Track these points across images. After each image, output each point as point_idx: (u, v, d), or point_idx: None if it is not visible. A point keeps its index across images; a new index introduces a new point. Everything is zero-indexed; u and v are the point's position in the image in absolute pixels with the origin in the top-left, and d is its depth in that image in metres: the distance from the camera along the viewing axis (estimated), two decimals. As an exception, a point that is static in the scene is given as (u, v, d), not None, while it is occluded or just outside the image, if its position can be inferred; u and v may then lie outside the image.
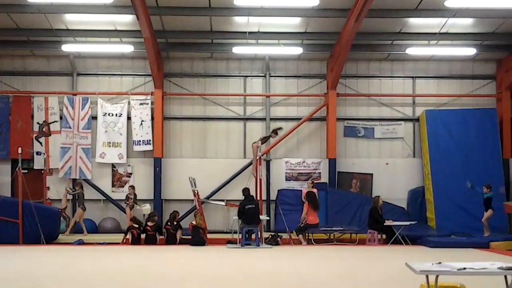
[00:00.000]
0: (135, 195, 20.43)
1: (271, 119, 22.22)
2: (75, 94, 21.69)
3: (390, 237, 18.39)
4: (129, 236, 18.39)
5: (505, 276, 5.92)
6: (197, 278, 11.27)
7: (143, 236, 18.45)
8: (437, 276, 5.91)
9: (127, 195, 20.52)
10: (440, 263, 6.16)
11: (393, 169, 22.15)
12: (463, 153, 21.05)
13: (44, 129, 21.56)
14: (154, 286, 10.32)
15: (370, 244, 18.51)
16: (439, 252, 15.45)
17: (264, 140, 19.71)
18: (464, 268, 5.95)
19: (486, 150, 21.06)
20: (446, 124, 21.40)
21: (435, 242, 17.72)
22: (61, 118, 21.54)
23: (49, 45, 20.86)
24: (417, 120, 22.29)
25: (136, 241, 18.26)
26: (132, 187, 20.73)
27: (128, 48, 20.50)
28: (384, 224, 18.46)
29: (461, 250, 16.59)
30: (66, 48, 20.55)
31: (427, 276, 5.94)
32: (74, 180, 20.92)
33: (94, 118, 21.61)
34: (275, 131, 19.86)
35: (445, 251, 15.74)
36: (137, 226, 18.56)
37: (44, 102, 21.53)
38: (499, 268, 5.90)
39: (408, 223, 18.73)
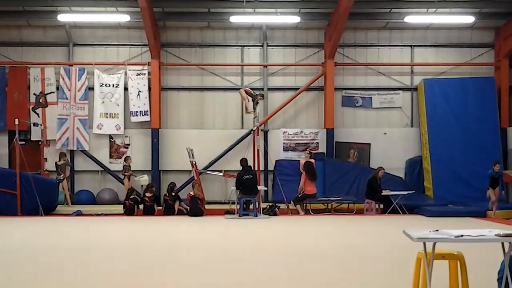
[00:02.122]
0: (129, 166, 20.44)
1: (268, 89, 22.14)
2: (71, 65, 21.56)
3: (388, 207, 18.44)
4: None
5: (502, 243, 5.90)
6: (195, 248, 11.31)
7: (141, 207, 18.52)
8: (434, 244, 5.89)
9: (124, 166, 20.51)
10: (437, 230, 6.14)
11: (390, 139, 22.13)
12: (461, 122, 21.02)
13: (41, 100, 21.46)
14: (150, 256, 10.35)
15: (368, 214, 18.57)
16: (436, 221, 15.50)
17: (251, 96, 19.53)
18: (462, 236, 5.94)
19: (484, 119, 21.02)
20: (444, 93, 21.34)
21: (433, 211, 17.78)
22: (57, 89, 21.43)
23: (45, 15, 20.65)
24: (415, 89, 22.20)
25: (130, 212, 18.31)
26: (128, 157, 20.71)
27: (124, 18, 20.31)
28: (382, 194, 18.50)
29: (458, 219, 16.64)
30: (62, 18, 20.33)
31: (424, 244, 5.93)
32: (61, 153, 20.69)
33: (91, 89, 21.51)
34: (261, 95, 19.89)
35: (443, 220, 15.79)
36: (132, 197, 18.60)
37: (41, 73, 21.42)
38: (496, 235, 5.89)
39: (405, 192, 18.79)
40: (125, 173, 20.38)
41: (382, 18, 21.24)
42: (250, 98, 19.54)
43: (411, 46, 22.38)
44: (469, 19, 20.67)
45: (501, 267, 6.03)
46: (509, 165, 21.12)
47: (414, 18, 20.66)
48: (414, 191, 19.54)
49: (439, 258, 6.24)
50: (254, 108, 19.60)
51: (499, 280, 6.00)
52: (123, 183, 20.74)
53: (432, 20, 21.07)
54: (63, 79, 21.31)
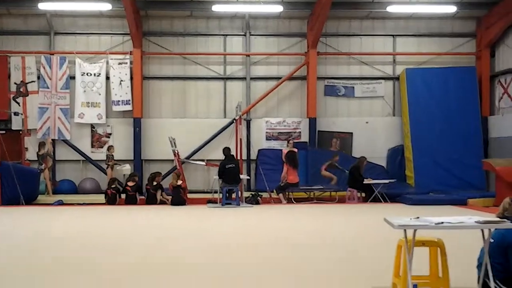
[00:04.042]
0: (112, 155, 20.37)
1: (251, 78, 22.11)
2: (52, 54, 21.37)
3: (370, 195, 18.55)
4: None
5: (482, 230, 5.97)
6: (175, 237, 11.31)
7: (123, 196, 18.48)
8: (415, 231, 5.95)
9: (107, 155, 20.42)
10: (418, 217, 6.20)
11: (373, 128, 22.21)
12: (442, 111, 21.13)
13: (21, 89, 21.27)
14: (130, 244, 10.34)
15: (350, 202, 18.66)
16: (417, 209, 15.61)
17: None
18: (442, 223, 6.00)
19: (465, 108, 21.16)
20: (426, 82, 21.43)
21: (414, 199, 17.90)
22: (38, 78, 21.22)
23: (26, 3, 20.43)
24: (397, 78, 22.29)
25: (112, 202, 18.27)
26: (111, 147, 20.64)
27: (106, 6, 20.14)
28: (364, 182, 18.59)
29: (439, 207, 16.77)
30: (43, 6, 20.11)
31: (405, 231, 5.98)
32: (41, 143, 20.51)
33: (72, 78, 21.34)
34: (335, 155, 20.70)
35: (424, 208, 15.90)
36: (114, 186, 18.55)
37: (21, 61, 21.19)
38: (476, 222, 5.95)
39: (387, 181, 18.87)
40: (108, 163, 20.30)
41: (365, 7, 21.25)
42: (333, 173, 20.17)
43: (393, 35, 22.44)
44: (451, 8, 20.78)
45: (480, 253, 6.10)
46: (490, 154, 21.29)
47: (396, 7, 20.71)
48: (395, 180, 19.63)
49: (420, 245, 6.30)
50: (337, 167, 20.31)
51: (479, 266, 6.07)
52: (105, 173, 20.65)
53: (414, 10, 21.15)
54: (44, 68, 21.12)
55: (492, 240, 5.91)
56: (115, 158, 20.48)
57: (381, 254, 8.75)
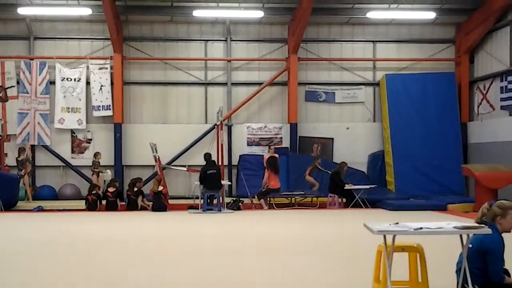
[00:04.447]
0: (98, 162, 20.25)
1: (232, 83, 22.12)
2: (32, 59, 21.24)
3: (350, 201, 18.59)
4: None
5: (461, 236, 6.01)
6: (148, 241, 11.27)
7: (104, 202, 18.40)
8: (394, 236, 5.98)
9: (93, 162, 20.26)
10: (397, 223, 6.23)
11: (353, 134, 22.30)
12: (422, 117, 21.27)
13: (0, 94, 21.09)
14: (110, 250, 10.29)
15: (331, 208, 18.70)
16: (398, 214, 15.69)
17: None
18: (421, 228, 6.04)
19: (444, 114, 21.30)
20: (406, 88, 21.56)
21: (394, 205, 17.97)
22: (18, 83, 21.06)
23: (5, 8, 20.27)
24: (378, 84, 22.41)
25: (92, 208, 18.16)
26: (98, 153, 20.47)
27: (86, 11, 20.07)
28: (344, 188, 18.64)
29: (419, 212, 16.84)
30: (23, 11, 20.01)
31: (384, 236, 6.01)
32: (20, 148, 20.35)
33: (52, 83, 21.21)
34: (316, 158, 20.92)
35: (404, 214, 15.99)
36: (94, 192, 18.46)
37: (1, 66, 21.02)
38: (454, 227, 5.99)
39: (368, 186, 18.94)
40: (94, 169, 20.15)
41: (345, 13, 21.37)
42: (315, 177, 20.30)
43: (373, 41, 22.58)
44: (431, 15, 20.97)
45: (459, 259, 6.14)
46: (470, 159, 21.46)
47: (376, 13, 20.87)
48: (376, 185, 19.71)
49: (399, 250, 6.33)
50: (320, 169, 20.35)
51: (458, 271, 6.11)
52: (86, 179, 20.56)
53: (394, 16, 21.31)
54: (23, 73, 20.97)
55: (470, 245, 5.95)
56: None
57: (361, 260, 8.77)
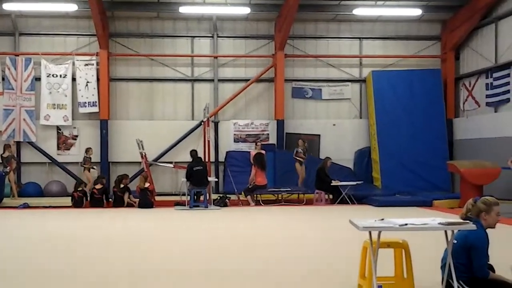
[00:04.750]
0: (90, 158, 20.12)
1: (219, 80, 22.11)
2: (17, 55, 21.10)
3: (337, 197, 18.65)
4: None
5: (445, 231, 6.03)
6: (140, 239, 11.25)
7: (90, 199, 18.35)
8: (379, 232, 5.99)
9: (85, 157, 20.11)
10: (382, 219, 6.25)
11: (340, 130, 22.36)
12: (408, 113, 21.35)
13: (-15, 91, 20.96)
14: (96, 247, 10.26)
15: (317, 204, 18.74)
16: (384, 210, 15.72)
17: None
18: (406, 224, 6.05)
19: (430, 111, 21.41)
20: (392, 85, 21.63)
21: (380, 201, 18.06)
22: (3, 79, 20.93)
23: (-11, 4, 20.17)
24: (364, 81, 22.47)
25: (78, 204, 18.09)
26: (90, 149, 20.33)
27: (72, 7, 19.99)
28: (331, 184, 18.68)
29: (405, 208, 16.94)
30: (8, 6, 19.88)
31: (370, 232, 6.02)
32: (5, 145, 20.21)
33: (38, 79, 21.09)
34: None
35: (390, 210, 16.03)
36: (80, 189, 18.39)
37: (-15, 63, 20.93)
38: (439, 223, 6.02)
39: (354, 183, 18.98)
40: (85, 165, 20.03)
41: (331, 10, 21.40)
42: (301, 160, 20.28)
43: (359, 38, 22.62)
44: (417, 11, 21.06)
45: (444, 254, 6.16)
46: (455, 156, 21.58)
47: (362, 10, 20.94)
48: (362, 182, 19.77)
49: (384, 246, 6.35)
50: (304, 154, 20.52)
51: (443, 267, 6.13)
52: (72, 175, 20.50)
53: (380, 13, 21.38)
54: (9, 69, 20.85)
55: (455, 241, 5.98)
56: (81, 161, 20.24)
57: (346, 256, 8.80)
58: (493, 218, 6.04)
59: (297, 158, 20.37)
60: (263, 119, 22.18)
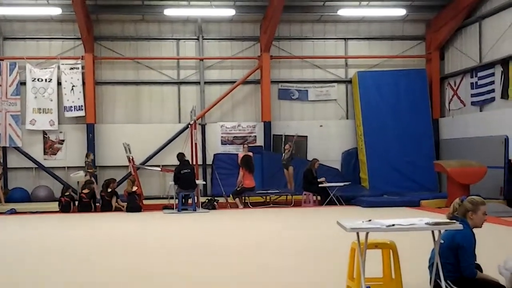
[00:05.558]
0: (90, 162, 20.03)
1: (205, 82, 22.10)
2: (2, 59, 20.99)
3: (325, 198, 18.64)
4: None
5: (432, 231, 6.06)
6: (124, 244, 11.21)
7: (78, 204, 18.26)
8: (367, 233, 6.00)
9: (86, 162, 20.01)
10: (370, 220, 6.25)
11: (327, 131, 22.40)
12: (394, 113, 21.42)
13: (-30, 96, 20.81)
14: (83, 252, 10.21)
15: (306, 206, 18.75)
16: (372, 211, 15.77)
17: None
18: (393, 225, 6.06)
19: (416, 111, 21.49)
20: (378, 85, 21.70)
21: (368, 201, 18.08)
22: (-13, 84, 20.84)
23: (-27, 9, 20.04)
24: (350, 81, 22.52)
25: (65, 209, 17.99)
26: (90, 153, 20.24)
27: (56, 11, 19.91)
28: (319, 185, 18.69)
29: (393, 208, 16.96)
30: (-9, 11, 19.80)
31: (357, 234, 6.03)
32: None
33: (23, 83, 21.00)
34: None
35: (378, 210, 16.08)
36: (67, 194, 18.30)
37: (-31, 68, 20.78)
38: (426, 223, 6.04)
39: (342, 184, 18.98)
40: (89, 170, 19.90)
41: (316, 11, 21.45)
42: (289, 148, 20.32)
43: (345, 39, 22.68)
44: (401, 11, 21.17)
45: (431, 254, 6.18)
46: (442, 155, 21.66)
47: (347, 11, 21.03)
48: (350, 182, 19.79)
49: (372, 247, 6.36)
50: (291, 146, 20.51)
51: (430, 267, 6.16)
52: (59, 180, 20.41)
53: (365, 13, 21.47)
54: (-7, 74, 20.75)
55: (442, 241, 6.00)
56: (67, 165, 20.21)
57: (335, 257, 8.80)
58: (480, 217, 6.07)
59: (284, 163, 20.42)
60: (250, 121, 22.18)
